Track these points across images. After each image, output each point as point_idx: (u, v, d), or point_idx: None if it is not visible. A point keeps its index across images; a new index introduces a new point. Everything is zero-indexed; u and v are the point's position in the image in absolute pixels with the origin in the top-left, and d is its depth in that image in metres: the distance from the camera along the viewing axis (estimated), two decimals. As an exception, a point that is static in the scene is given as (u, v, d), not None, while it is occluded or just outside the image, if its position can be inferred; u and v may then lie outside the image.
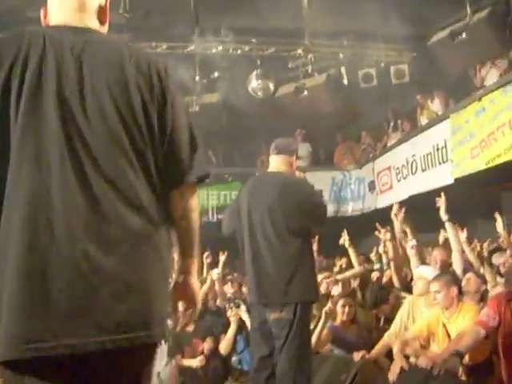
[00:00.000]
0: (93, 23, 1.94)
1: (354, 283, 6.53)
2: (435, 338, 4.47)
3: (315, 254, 4.54)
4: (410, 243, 5.57)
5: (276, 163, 4.01)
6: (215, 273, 6.57)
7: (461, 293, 4.46)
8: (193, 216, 1.93)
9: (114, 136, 1.77)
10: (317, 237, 6.20)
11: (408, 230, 5.68)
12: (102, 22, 2.00)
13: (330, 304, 5.01)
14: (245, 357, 5.66)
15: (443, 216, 5.30)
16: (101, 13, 1.99)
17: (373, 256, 7.89)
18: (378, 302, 5.93)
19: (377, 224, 6.29)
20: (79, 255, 1.66)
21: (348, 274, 6.38)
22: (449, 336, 4.33)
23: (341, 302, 5.22)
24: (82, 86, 1.77)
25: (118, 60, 1.84)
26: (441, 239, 6.39)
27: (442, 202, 5.32)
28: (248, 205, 3.91)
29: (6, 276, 1.64)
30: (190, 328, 5.96)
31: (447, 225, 5.28)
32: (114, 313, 1.67)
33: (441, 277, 4.58)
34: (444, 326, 4.39)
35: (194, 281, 2.01)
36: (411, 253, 5.51)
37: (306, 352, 3.80)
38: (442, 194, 5.37)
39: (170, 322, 6.12)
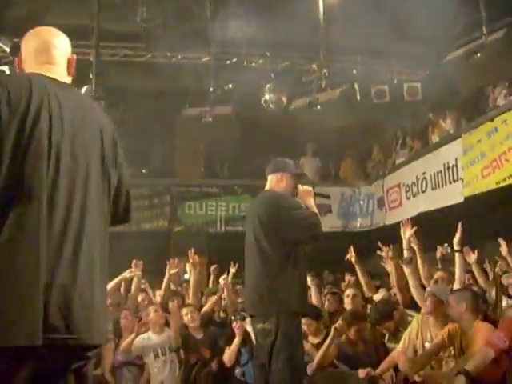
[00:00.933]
0: (62, 74, 2.31)
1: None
2: (451, 352, 4.47)
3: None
4: (405, 260, 5.49)
5: (268, 183, 4.28)
6: (222, 279, 6.62)
7: (472, 310, 4.42)
8: None
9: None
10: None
11: (416, 248, 5.64)
12: (68, 74, 2.37)
13: (340, 321, 5.01)
14: (248, 369, 5.65)
15: (456, 245, 5.29)
16: (69, 66, 2.38)
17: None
18: (382, 318, 5.87)
19: (379, 242, 6.26)
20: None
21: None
22: (463, 352, 4.32)
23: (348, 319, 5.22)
24: (64, 129, 2.10)
25: (89, 109, 2.29)
26: (438, 255, 6.37)
27: (458, 231, 5.31)
28: (245, 223, 4.26)
29: None
30: (199, 335, 5.98)
31: (457, 255, 5.26)
32: None
33: (455, 291, 4.61)
34: (460, 341, 4.37)
35: None
36: (407, 271, 5.45)
37: (295, 365, 3.79)
38: (459, 224, 5.36)
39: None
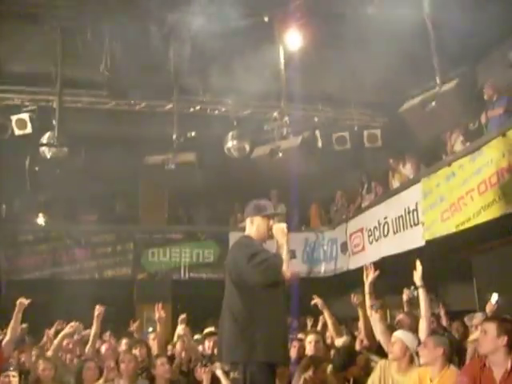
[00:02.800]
0: None
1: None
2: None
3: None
4: (374, 306, 5.52)
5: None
6: (181, 328, 6.57)
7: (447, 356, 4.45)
8: None
9: None
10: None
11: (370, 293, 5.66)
12: None
13: (310, 372, 5.01)
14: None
15: (418, 281, 5.33)
16: None
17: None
18: (346, 364, 5.85)
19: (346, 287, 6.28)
20: None
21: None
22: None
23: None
24: None
25: None
26: (404, 298, 6.41)
27: (417, 268, 5.36)
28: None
29: None
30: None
31: (421, 291, 5.30)
32: None
33: (434, 334, 4.67)
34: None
35: None
36: (375, 317, 5.47)
37: None
38: (418, 261, 5.42)
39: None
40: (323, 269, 11.58)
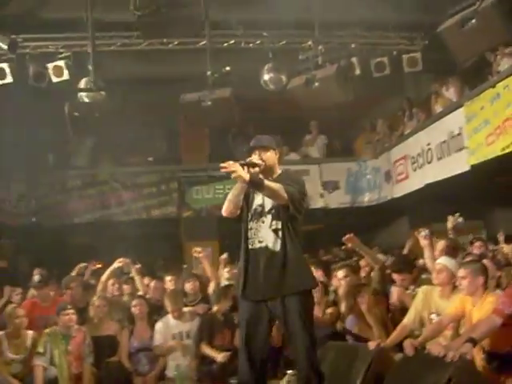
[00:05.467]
0: None
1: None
2: (461, 324, 4.53)
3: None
4: (423, 233, 5.58)
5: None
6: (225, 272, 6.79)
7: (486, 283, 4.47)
8: None
9: None
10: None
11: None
12: None
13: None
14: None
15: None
16: None
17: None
18: (403, 266, 5.81)
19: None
20: None
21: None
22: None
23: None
24: None
25: None
26: (449, 225, 6.35)
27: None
28: None
29: None
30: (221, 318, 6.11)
31: None
32: None
33: (469, 264, 4.62)
34: (469, 313, 4.41)
35: None
36: (424, 243, 5.54)
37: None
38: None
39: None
40: (367, 198, 11.53)
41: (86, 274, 7.61)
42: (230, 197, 4.07)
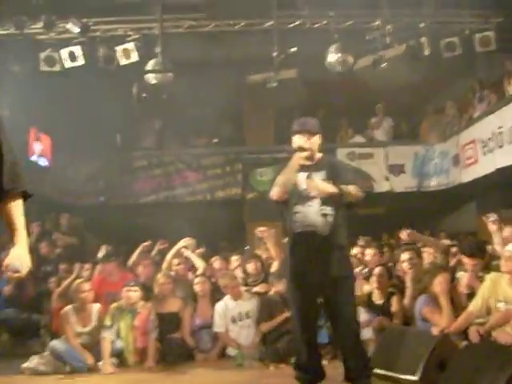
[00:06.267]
0: None
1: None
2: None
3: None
4: (492, 218, 5.41)
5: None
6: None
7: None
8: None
9: None
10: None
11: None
12: None
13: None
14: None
15: None
16: None
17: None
18: (476, 250, 5.67)
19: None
20: None
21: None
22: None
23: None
24: None
25: None
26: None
27: None
28: None
29: None
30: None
31: None
32: None
33: None
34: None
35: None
36: (492, 228, 5.37)
37: None
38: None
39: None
40: (434, 183, 11.26)
41: (152, 253, 7.80)
42: (280, 181, 4.06)
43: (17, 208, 2.51)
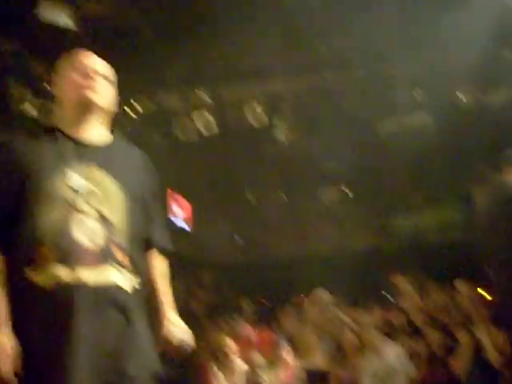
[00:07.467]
0: None
1: None
2: None
3: None
4: None
5: None
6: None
7: None
8: None
9: None
10: None
11: None
12: None
13: None
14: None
15: None
16: None
17: None
18: None
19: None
20: None
21: None
22: None
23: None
24: None
25: None
26: None
27: None
28: None
29: None
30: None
31: None
32: None
33: None
34: None
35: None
36: None
37: None
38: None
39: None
40: None
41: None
42: None
43: (163, 267, 2.30)
